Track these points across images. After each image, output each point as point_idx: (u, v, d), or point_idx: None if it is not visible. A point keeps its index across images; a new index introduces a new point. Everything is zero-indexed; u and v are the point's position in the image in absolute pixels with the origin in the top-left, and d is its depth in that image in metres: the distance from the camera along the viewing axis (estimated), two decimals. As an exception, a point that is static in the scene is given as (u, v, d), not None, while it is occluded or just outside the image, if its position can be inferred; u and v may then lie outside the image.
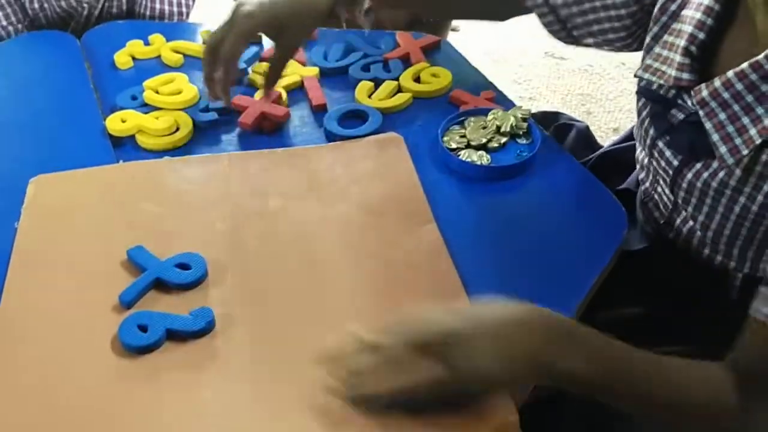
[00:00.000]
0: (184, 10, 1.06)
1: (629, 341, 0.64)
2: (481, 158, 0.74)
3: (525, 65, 1.78)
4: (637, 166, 0.75)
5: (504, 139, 0.76)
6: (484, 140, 0.75)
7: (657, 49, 0.65)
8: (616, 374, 0.52)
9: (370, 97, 0.84)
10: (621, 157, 0.86)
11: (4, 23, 1.00)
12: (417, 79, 0.87)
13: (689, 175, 0.62)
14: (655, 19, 0.67)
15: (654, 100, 0.66)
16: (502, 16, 0.88)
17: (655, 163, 0.68)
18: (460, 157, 0.74)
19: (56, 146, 0.79)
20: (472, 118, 0.78)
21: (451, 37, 1.28)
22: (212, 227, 0.68)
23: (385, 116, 0.81)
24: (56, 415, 0.52)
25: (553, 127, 0.97)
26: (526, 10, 0.79)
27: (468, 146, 0.76)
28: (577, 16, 0.73)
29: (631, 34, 0.72)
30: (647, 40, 0.68)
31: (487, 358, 0.48)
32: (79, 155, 0.77)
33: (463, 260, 0.64)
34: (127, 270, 0.63)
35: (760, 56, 0.54)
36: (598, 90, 1.69)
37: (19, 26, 1.01)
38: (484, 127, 0.77)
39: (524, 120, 0.78)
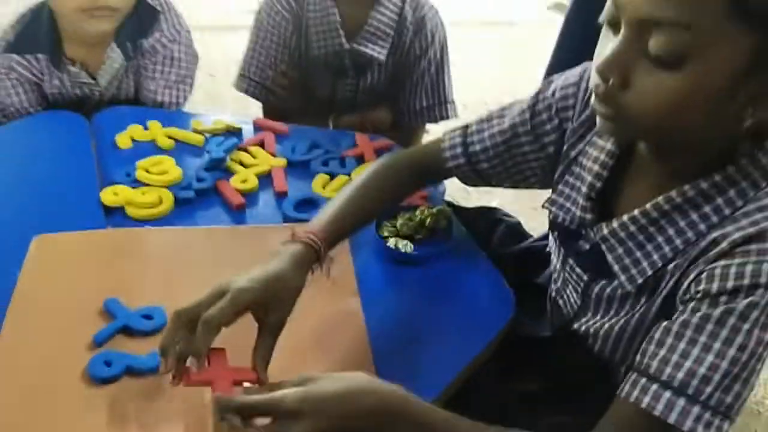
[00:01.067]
0: (181, 101, 1.25)
1: (528, 410, 0.78)
2: (405, 246, 0.90)
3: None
4: (551, 266, 0.88)
5: (425, 232, 0.92)
6: (410, 232, 0.92)
7: (561, 187, 0.79)
8: None
9: (324, 188, 1.01)
10: (543, 252, 1.01)
11: (26, 105, 1.19)
12: (366, 176, 1.04)
13: (596, 289, 0.76)
14: (561, 162, 0.81)
15: (561, 231, 0.80)
16: (427, 185, 0.98)
17: (566, 273, 0.81)
18: (388, 243, 0.90)
19: (57, 211, 0.95)
20: (404, 213, 0.95)
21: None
22: (176, 287, 0.83)
23: (333, 205, 0.98)
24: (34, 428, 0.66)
25: (486, 221, 1.13)
26: (450, 173, 0.90)
27: (397, 235, 0.92)
28: (501, 173, 0.87)
29: (546, 176, 0.85)
30: (555, 177, 0.82)
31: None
32: (76, 220, 0.93)
33: (375, 327, 0.79)
34: (102, 317, 0.78)
35: (648, 205, 0.68)
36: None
37: (39, 108, 1.19)
38: (411, 220, 0.93)
39: (446, 218, 0.94)
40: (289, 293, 0.72)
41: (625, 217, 0.70)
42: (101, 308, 0.79)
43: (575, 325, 0.81)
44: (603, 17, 0.64)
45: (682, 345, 0.61)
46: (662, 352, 0.62)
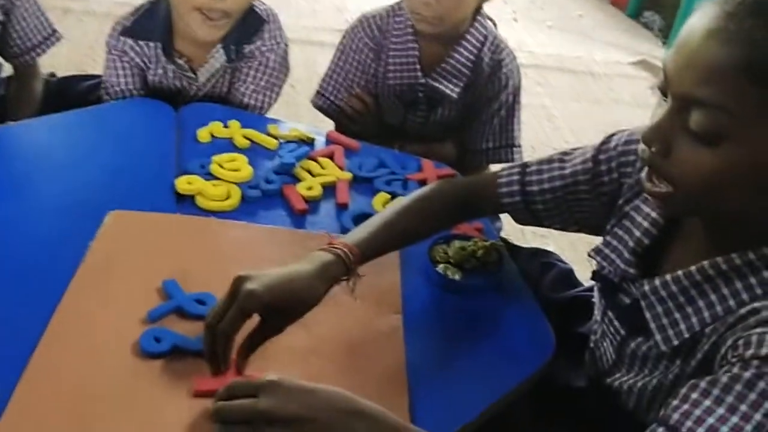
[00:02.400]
0: (265, 106, 1.31)
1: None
2: (454, 274, 0.91)
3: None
4: (594, 317, 0.89)
5: (476, 263, 0.93)
6: (460, 260, 0.93)
7: (609, 238, 0.80)
8: None
9: (383, 206, 1.04)
10: (589, 302, 1.01)
11: (130, 87, 1.27)
12: (426, 200, 1.06)
13: (632, 345, 0.76)
14: (614, 214, 0.82)
15: (604, 282, 0.80)
16: (474, 218, 1.00)
17: (604, 326, 0.81)
18: (437, 268, 0.92)
19: (134, 190, 1.01)
20: (457, 241, 0.96)
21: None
22: (231, 277, 0.86)
23: (390, 224, 1.00)
24: (86, 393, 0.71)
25: (538, 263, 1.13)
26: (503, 209, 0.92)
27: (447, 262, 0.93)
28: (554, 215, 0.88)
29: (594, 222, 0.86)
30: (606, 227, 0.82)
31: None
32: (149, 201, 0.98)
33: (412, 346, 0.81)
34: (159, 295, 0.83)
35: (692, 268, 0.69)
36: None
37: (142, 92, 1.27)
38: (464, 250, 0.94)
39: (497, 252, 0.95)
40: (301, 305, 0.73)
41: (668, 277, 0.71)
42: (160, 287, 0.83)
43: (609, 380, 0.81)
44: (657, 84, 0.66)
45: (707, 402, 0.60)
46: (685, 406, 0.61)
